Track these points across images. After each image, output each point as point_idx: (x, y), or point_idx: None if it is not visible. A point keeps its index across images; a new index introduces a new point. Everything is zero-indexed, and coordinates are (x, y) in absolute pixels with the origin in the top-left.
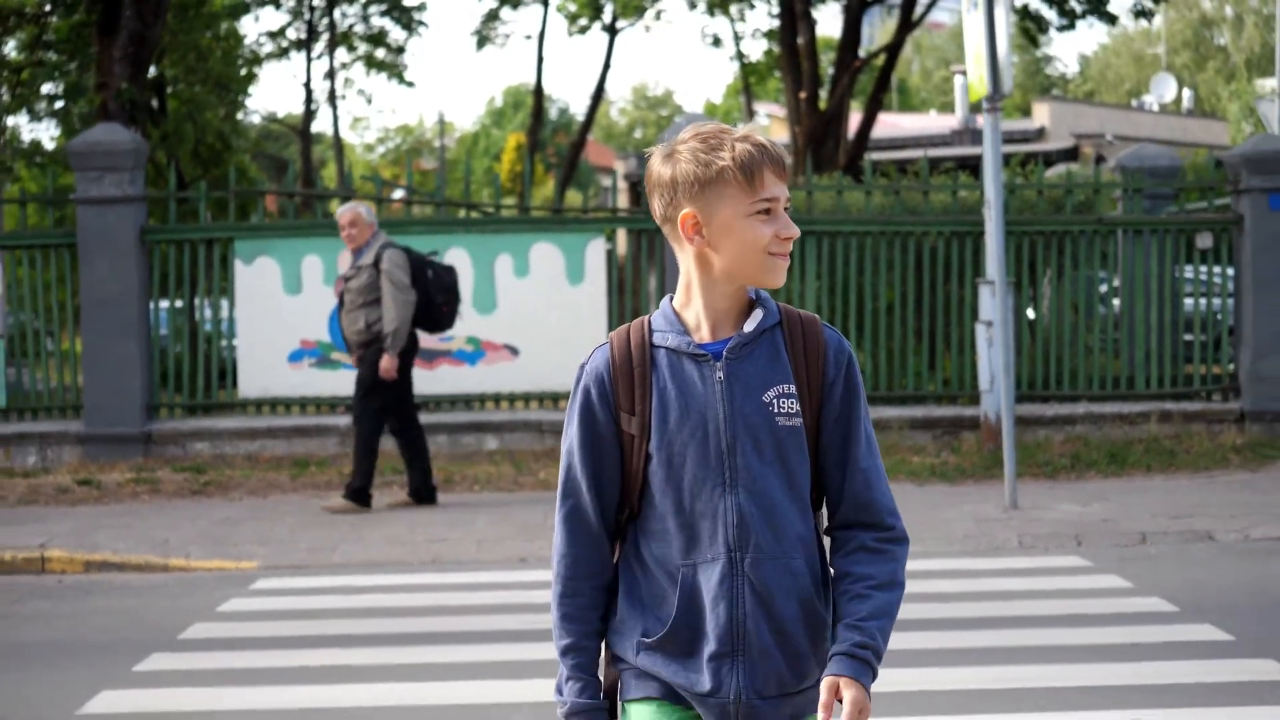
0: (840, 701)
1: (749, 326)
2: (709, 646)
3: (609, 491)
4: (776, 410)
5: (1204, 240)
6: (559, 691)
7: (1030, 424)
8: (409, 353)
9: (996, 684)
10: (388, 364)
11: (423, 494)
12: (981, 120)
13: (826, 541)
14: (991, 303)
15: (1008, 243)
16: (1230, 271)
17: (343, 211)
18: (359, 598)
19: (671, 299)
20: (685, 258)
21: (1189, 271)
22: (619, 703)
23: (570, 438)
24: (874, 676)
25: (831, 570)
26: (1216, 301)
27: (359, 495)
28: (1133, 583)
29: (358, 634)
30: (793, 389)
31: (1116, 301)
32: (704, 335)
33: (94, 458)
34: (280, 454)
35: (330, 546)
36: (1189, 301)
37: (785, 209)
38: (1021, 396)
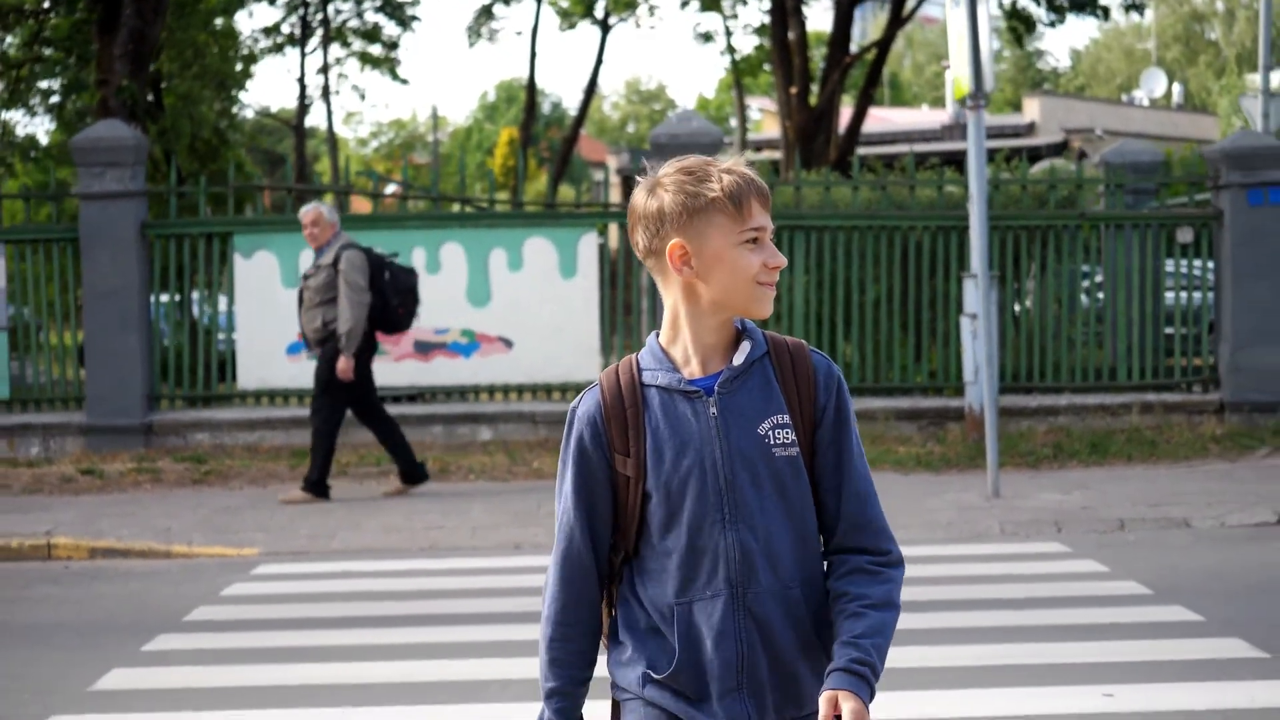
0: (839, 717)
1: (738, 359)
2: (714, 684)
3: (603, 534)
4: (772, 441)
5: (1184, 235)
6: None
7: (1014, 415)
8: (367, 352)
9: (975, 662)
10: (344, 365)
11: (414, 475)
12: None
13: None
14: (975, 296)
15: (992, 237)
16: (1210, 265)
17: (305, 211)
18: (357, 582)
19: (658, 335)
20: (672, 291)
21: (1170, 265)
22: None
23: (565, 482)
24: (872, 694)
25: (829, 591)
26: (1197, 295)
27: (317, 487)
28: (1109, 567)
29: (356, 616)
30: (787, 419)
31: (1101, 294)
32: (694, 370)
33: (96, 448)
34: (279, 444)
35: (329, 534)
36: (1170, 295)
37: (770, 239)
38: (1006, 388)
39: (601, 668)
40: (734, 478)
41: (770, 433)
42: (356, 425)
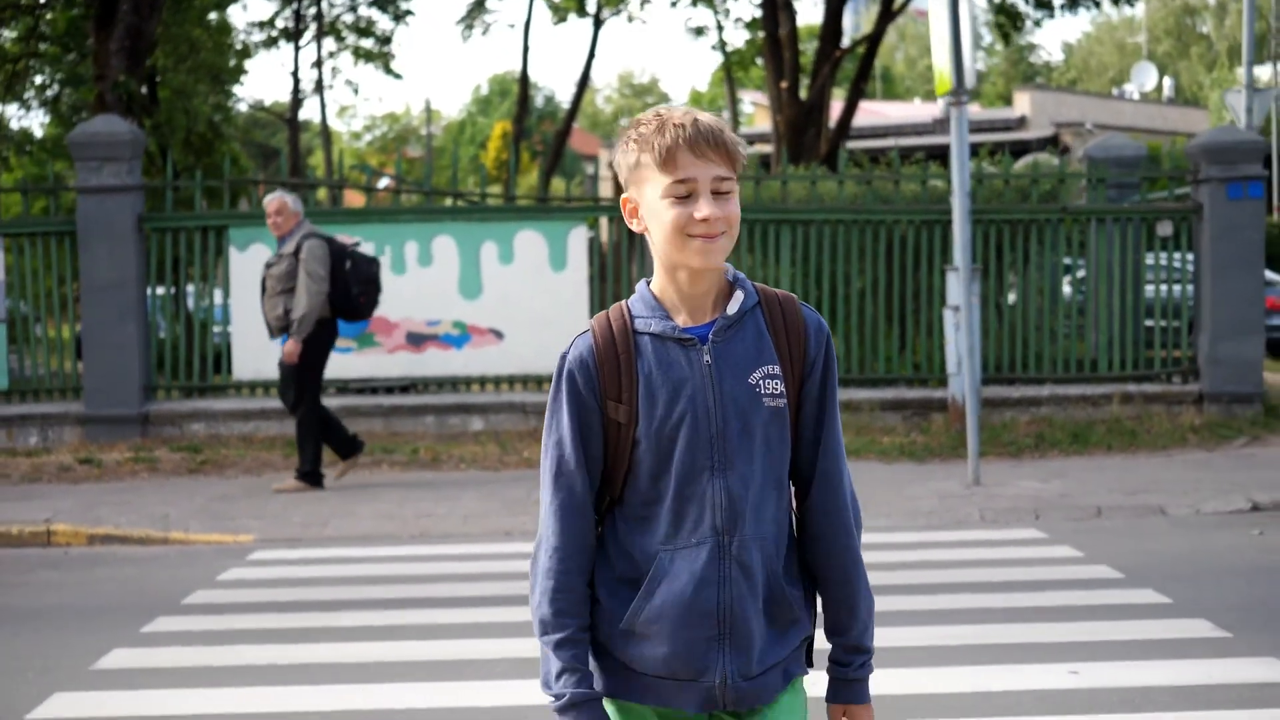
0: None
1: (732, 308)
2: (693, 631)
3: (597, 480)
4: (763, 391)
5: (1164, 228)
6: (549, 684)
7: (997, 405)
8: (329, 340)
9: (948, 642)
10: (290, 348)
11: (311, 477)
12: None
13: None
14: (958, 289)
15: (975, 231)
16: (1190, 258)
17: (269, 200)
18: (351, 567)
19: (649, 283)
20: (649, 242)
21: (1150, 259)
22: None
23: (560, 427)
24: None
25: (810, 558)
26: (1177, 288)
27: (310, 476)
28: (1084, 552)
29: (350, 599)
30: (778, 369)
31: (1083, 287)
32: (684, 319)
33: (94, 438)
34: (273, 434)
35: (322, 521)
36: (1150, 288)
37: (722, 191)
38: (989, 379)
39: None
40: (725, 426)
41: (761, 382)
42: (350, 416)
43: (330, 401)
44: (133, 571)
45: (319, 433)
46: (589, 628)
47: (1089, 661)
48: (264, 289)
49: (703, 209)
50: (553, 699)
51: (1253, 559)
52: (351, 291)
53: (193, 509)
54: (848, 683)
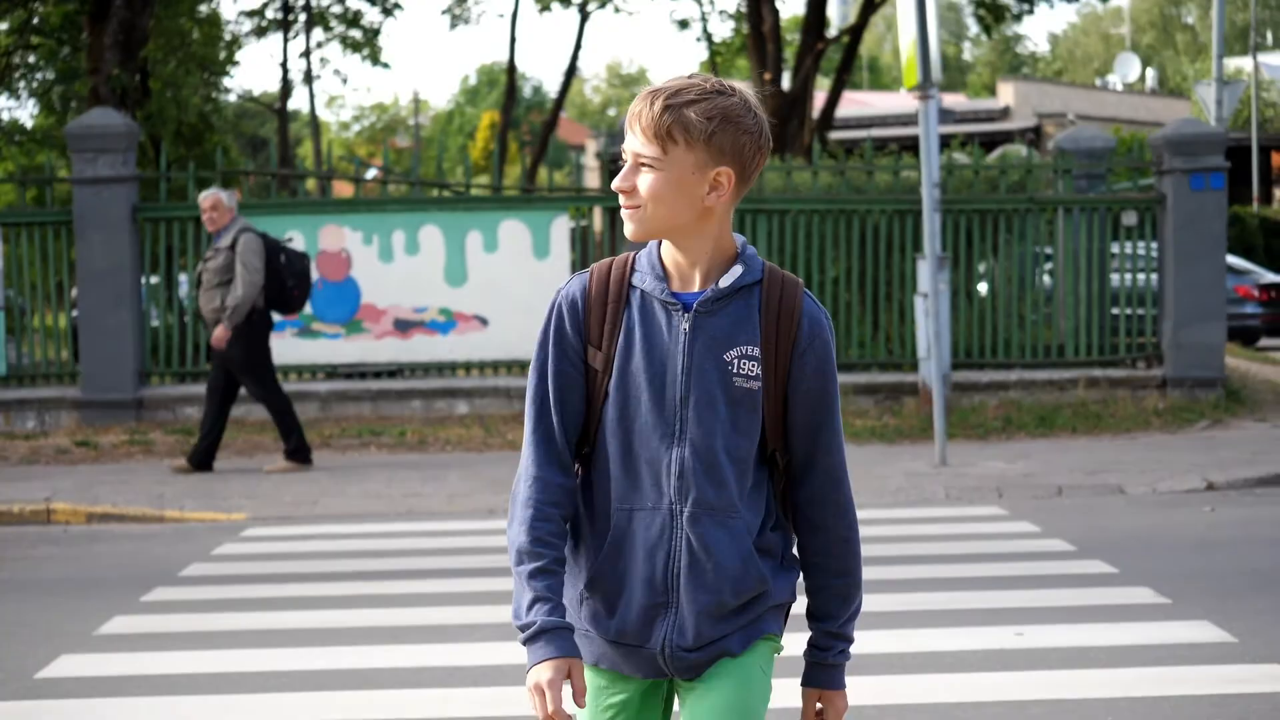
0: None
1: (725, 281)
2: (640, 596)
3: (574, 419)
4: (735, 370)
5: (1129, 218)
6: (520, 615)
7: (966, 389)
8: (265, 330)
9: (904, 608)
10: (220, 334)
11: (202, 461)
12: (945, 99)
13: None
14: (928, 276)
15: (946, 220)
16: (1155, 247)
17: (204, 196)
18: (340, 542)
19: (660, 243)
20: None
21: (1116, 248)
22: None
23: (543, 361)
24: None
25: (805, 549)
26: (1142, 276)
27: (297, 455)
28: (1041, 527)
29: (339, 571)
30: (756, 351)
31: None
32: (680, 284)
33: (90, 421)
34: (263, 417)
35: (312, 500)
36: (1116, 276)
37: (644, 165)
38: (959, 363)
39: None
40: (689, 395)
41: (735, 361)
42: (339, 400)
43: (319, 386)
44: (130, 547)
45: (291, 409)
46: (564, 562)
47: (1035, 625)
48: (199, 283)
49: (616, 181)
50: (521, 630)
51: (1201, 534)
52: (286, 285)
53: (187, 488)
54: (825, 668)
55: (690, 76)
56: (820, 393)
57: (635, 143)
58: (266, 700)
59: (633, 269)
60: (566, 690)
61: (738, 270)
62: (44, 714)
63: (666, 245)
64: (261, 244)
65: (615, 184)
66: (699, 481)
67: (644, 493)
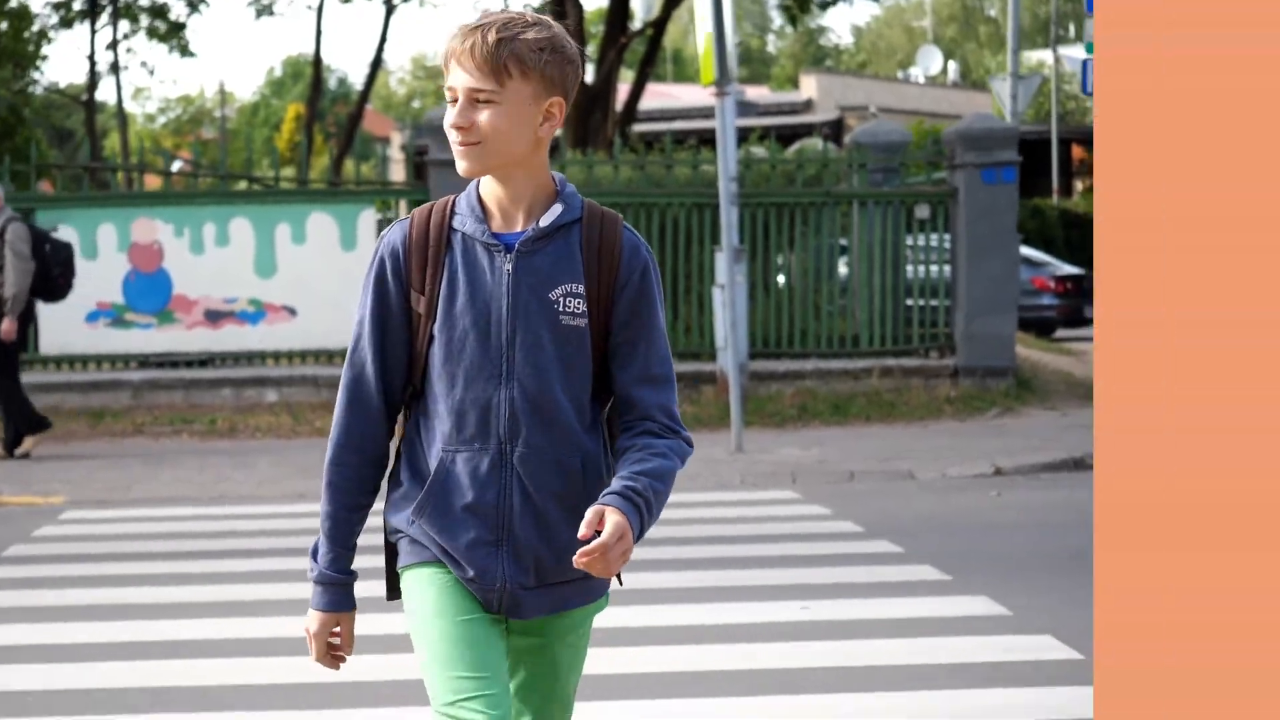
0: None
1: (545, 220)
2: (473, 532)
3: (394, 366)
4: (561, 309)
5: (922, 211)
6: (313, 557)
7: (764, 379)
8: (25, 317)
9: (696, 584)
10: (8, 327)
11: (34, 425)
12: (748, 92)
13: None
14: (725, 268)
15: (744, 214)
16: (948, 239)
17: None
18: (156, 525)
19: (479, 184)
20: None
21: (911, 240)
22: (398, 570)
23: (363, 308)
24: (641, 527)
25: (615, 454)
26: (935, 268)
27: (31, 425)
28: (832, 510)
29: (156, 551)
30: (581, 289)
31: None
32: (501, 224)
33: None
34: (77, 406)
35: (126, 485)
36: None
37: (480, 101)
38: (757, 353)
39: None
40: (514, 336)
41: (561, 299)
42: (151, 388)
43: (132, 375)
44: None
45: (22, 399)
46: (361, 507)
47: (820, 600)
48: None
49: (449, 117)
50: (310, 570)
51: (985, 516)
52: (52, 273)
53: (3, 473)
54: (613, 493)
55: (503, 11)
56: (639, 322)
57: (466, 79)
58: (92, 669)
59: (453, 212)
60: None
61: (558, 209)
62: None
63: (487, 184)
64: (30, 234)
65: (451, 121)
66: (529, 421)
67: (470, 433)
